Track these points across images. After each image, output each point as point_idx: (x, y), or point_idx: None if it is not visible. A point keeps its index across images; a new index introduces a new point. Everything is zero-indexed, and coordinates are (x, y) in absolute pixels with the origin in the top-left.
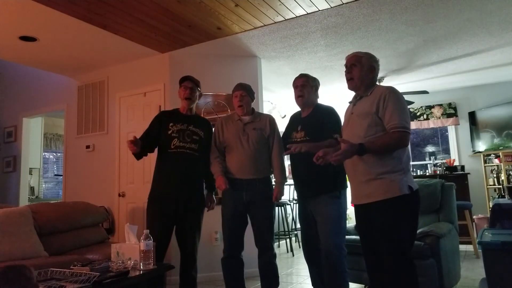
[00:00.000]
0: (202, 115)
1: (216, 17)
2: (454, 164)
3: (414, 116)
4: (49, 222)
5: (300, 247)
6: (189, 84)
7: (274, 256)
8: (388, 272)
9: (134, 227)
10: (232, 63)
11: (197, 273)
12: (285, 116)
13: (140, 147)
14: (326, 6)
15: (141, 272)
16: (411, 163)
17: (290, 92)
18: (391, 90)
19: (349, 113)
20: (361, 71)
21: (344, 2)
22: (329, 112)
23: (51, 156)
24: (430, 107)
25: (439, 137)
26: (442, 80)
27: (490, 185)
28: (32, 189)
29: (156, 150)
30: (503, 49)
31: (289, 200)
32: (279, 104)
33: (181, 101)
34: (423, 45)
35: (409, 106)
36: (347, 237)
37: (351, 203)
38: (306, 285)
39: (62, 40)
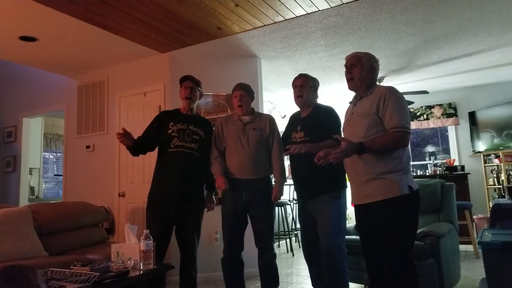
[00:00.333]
0: (202, 115)
1: (216, 17)
2: (454, 164)
3: (414, 116)
4: (49, 222)
5: (300, 247)
6: (190, 84)
7: (274, 256)
8: (388, 272)
9: (134, 227)
10: (232, 63)
11: (197, 273)
12: (285, 116)
13: (133, 142)
14: (326, 6)
15: (141, 272)
16: (411, 163)
17: (290, 92)
18: (391, 90)
19: (350, 113)
20: (361, 71)
21: (344, 2)
22: (329, 112)
23: (51, 156)
24: (430, 107)
25: (439, 137)
26: (442, 80)
27: (490, 185)
28: (32, 189)
29: (156, 149)
30: (503, 49)
31: (289, 200)
32: (279, 104)
33: (181, 101)
34: (423, 45)
35: (409, 106)
36: (347, 237)
37: (351, 203)
38: (306, 285)
39: (62, 40)
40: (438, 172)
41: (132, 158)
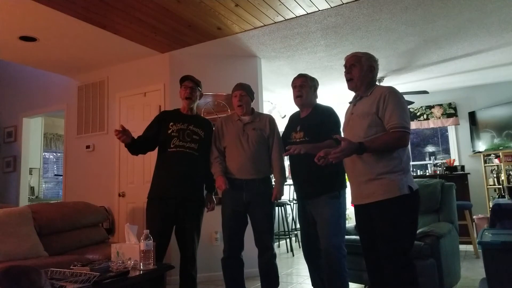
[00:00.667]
0: (202, 115)
1: (216, 17)
2: (454, 164)
3: (414, 116)
4: (49, 222)
5: (300, 247)
6: (190, 84)
7: (274, 256)
8: (388, 272)
9: (134, 227)
10: (232, 63)
11: (197, 273)
12: (285, 116)
13: (131, 140)
14: (326, 6)
15: (141, 272)
16: (411, 163)
17: (290, 92)
18: (391, 90)
19: (349, 113)
20: (361, 71)
21: (344, 2)
22: (328, 113)
23: (51, 156)
24: (430, 107)
25: (439, 137)
26: (442, 80)
27: (490, 185)
28: (32, 189)
29: (156, 149)
30: (503, 49)
31: (289, 200)
32: (279, 104)
33: (181, 101)
34: (423, 45)
35: (409, 106)
36: (347, 237)
37: (351, 203)
38: (306, 285)
39: (62, 40)
40: (438, 172)
41: (132, 158)
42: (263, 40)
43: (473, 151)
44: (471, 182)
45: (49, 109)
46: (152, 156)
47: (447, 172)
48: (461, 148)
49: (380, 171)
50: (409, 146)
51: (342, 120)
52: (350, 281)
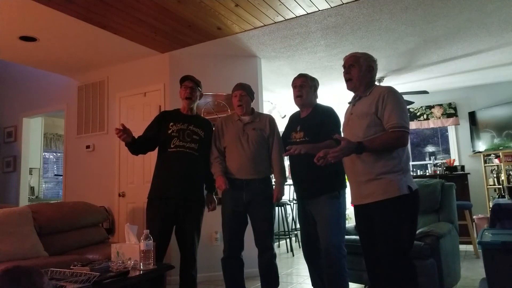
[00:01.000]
0: (202, 115)
1: (216, 17)
2: (454, 164)
3: (414, 116)
4: (49, 222)
5: (300, 247)
6: (190, 84)
7: (274, 256)
8: (388, 272)
9: (134, 227)
10: (232, 63)
11: (197, 273)
12: (285, 116)
13: (132, 139)
14: (326, 6)
15: (141, 272)
16: (411, 163)
17: (290, 92)
18: (390, 90)
19: (349, 113)
20: (360, 72)
21: (344, 2)
22: (328, 113)
23: (51, 156)
24: (430, 107)
25: (439, 137)
26: (442, 80)
27: (490, 185)
28: (32, 189)
29: (156, 149)
30: (503, 49)
31: (289, 200)
32: (279, 104)
33: (181, 101)
34: (423, 45)
35: (409, 106)
36: (347, 237)
37: (351, 203)
38: (306, 285)
39: (62, 40)
40: (438, 172)
41: (132, 158)
42: (263, 40)
43: (473, 151)
44: (471, 182)
45: (49, 109)
46: (152, 156)
47: (447, 172)
48: (461, 148)
49: (379, 171)
50: (409, 146)
51: (342, 120)
52: (350, 281)
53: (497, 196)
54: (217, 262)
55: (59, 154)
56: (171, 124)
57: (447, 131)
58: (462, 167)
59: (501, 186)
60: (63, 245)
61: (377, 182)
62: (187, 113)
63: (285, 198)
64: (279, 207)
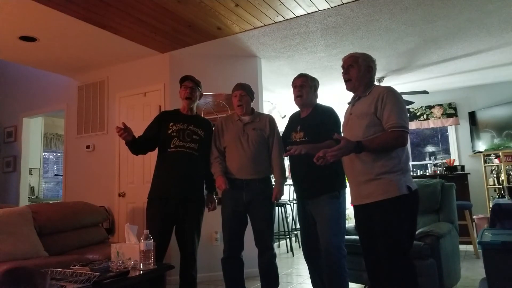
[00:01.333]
0: (202, 115)
1: (216, 17)
2: (454, 164)
3: (414, 116)
4: (49, 222)
5: (300, 247)
6: (190, 84)
7: (274, 256)
8: (387, 272)
9: (134, 227)
10: (232, 63)
11: (197, 273)
12: (285, 116)
13: (133, 138)
14: (326, 6)
15: (141, 272)
16: (411, 163)
17: (290, 92)
18: (389, 89)
19: (348, 113)
20: (359, 72)
21: (344, 2)
22: (329, 113)
23: (51, 156)
24: (430, 107)
25: (439, 137)
26: (442, 80)
27: (490, 185)
28: (32, 189)
29: (156, 149)
30: (503, 49)
31: (289, 200)
32: (279, 104)
33: (181, 101)
34: (423, 45)
35: (409, 106)
36: (347, 237)
37: (351, 203)
38: (306, 285)
39: (62, 40)
40: (438, 172)
41: (132, 158)
42: (263, 40)
43: (473, 151)
44: (471, 182)
45: (49, 109)
46: (152, 156)
47: (447, 172)
48: (461, 148)
49: (379, 171)
50: (409, 146)
51: (342, 120)
52: (350, 281)
53: (497, 196)
54: (217, 262)
55: (59, 154)
56: (171, 124)
57: (447, 131)
58: (462, 167)
59: (501, 186)
60: (63, 245)
61: (376, 182)
62: (187, 113)
63: (285, 198)
64: (279, 207)
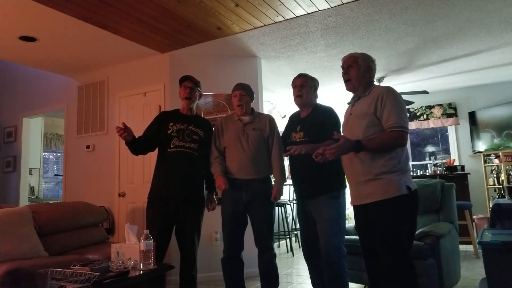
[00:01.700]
0: (202, 115)
1: (216, 17)
2: (454, 164)
3: (414, 116)
4: (49, 222)
5: (300, 247)
6: (189, 84)
7: (274, 256)
8: (387, 272)
9: (134, 227)
10: (232, 63)
11: (197, 273)
12: (285, 116)
13: (133, 138)
14: (326, 6)
15: (141, 272)
16: (411, 163)
17: (290, 92)
18: (389, 90)
19: (348, 114)
20: (358, 72)
21: (344, 2)
22: (328, 113)
23: (51, 156)
24: (430, 107)
25: (439, 137)
26: (442, 80)
27: (490, 185)
28: (32, 189)
29: (156, 149)
30: (503, 49)
31: (289, 200)
32: (279, 104)
33: (181, 101)
34: (423, 45)
35: (409, 106)
36: (347, 237)
37: (351, 203)
38: (306, 285)
39: (62, 40)
40: (438, 172)
41: (132, 158)
42: (263, 40)
43: (473, 151)
44: (471, 182)
45: (49, 109)
46: (152, 156)
47: (447, 172)
48: (461, 148)
49: (378, 171)
50: (409, 146)
51: (342, 120)
52: (350, 281)
53: (497, 196)
54: (217, 262)
55: (59, 154)
56: (171, 124)
57: (447, 131)
58: (462, 167)
59: (501, 186)
60: (63, 245)
61: (376, 182)
62: (187, 113)
63: (285, 198)
64: (279, 207)
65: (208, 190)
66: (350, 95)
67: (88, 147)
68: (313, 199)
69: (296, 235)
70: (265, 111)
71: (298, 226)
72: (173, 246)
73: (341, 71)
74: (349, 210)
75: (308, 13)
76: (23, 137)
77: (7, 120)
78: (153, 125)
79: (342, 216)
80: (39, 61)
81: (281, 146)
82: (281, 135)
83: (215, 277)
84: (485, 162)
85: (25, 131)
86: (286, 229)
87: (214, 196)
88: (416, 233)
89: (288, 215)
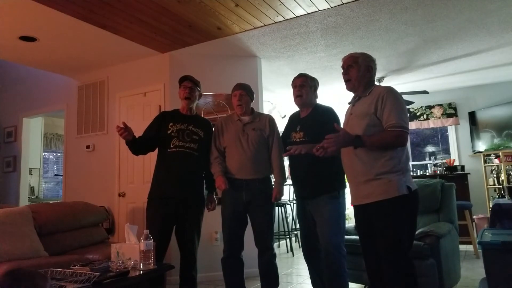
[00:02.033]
0: (202, 115)
1: (216, 17)
2: (454, 164)
3: (414, 116)
4: (49, 222)
5: (300, 247)
6: (189, 84)
7: (274, 256)
8: (387, 272)
9: (134, 227)
10: (232, 63)
11: (197, 273)
12: (285, 116)
13: (133, 137)
14: (326, 6)
15: (141, 272)
16: (411, 163)
17: (290, 92)
18: (389, 90)
19: (348, 113)
20: (358, 72)
21: (344, 2)
22: (328, 113)
23: (51, 156)
24: (430, 107)
25: (439, 137)
26: (442, 80)
27: (490, 185)
28: (32, 189)
29: (156, 149)
30: (503, 49)
31: (289, 200)
32: (279, 104)
33: (181, 101)
34: (423, 45)
35: (409, 106)
36: (347, 237)
37: (351, 203)
38: (306, 285)
39: (62, 40)
40: (438, 172)
41: (132, 158)
42: (263, 40)
43: (473, 151)
44: (471, 182)
45: (49, 109)
46: (152, 156)
47: (447, 172)
48: (461, 148)
49: (378, 171)
50: (409, 146)
51: (342, 120)
52: (350, 281)
53: (497, 196)
54: (217, 262)
55: (59, 154)
56: (171, 124)
57: (447, 131)
58: (462, 167)
59: (501, 186)
60: (63, 245)
61: (376, 182)
62: (187, 113)
63: (285, 198)
64: (279, 207)
65: (208, 190)
66: (350, 95)
67: (88, 147)
68: (313, 199)
69: (296, 235)
70: (265, 111)
71: (298, 226)
72: (173, 246)
73: (341, 71)
74: (349, 210)
75: (308, 13)
76: (23, 137)
77: (7, 120)
78: (153, 125)
79: (342, 216)
80: (39, 61)
81: (281, 146)
82: (281, 135)
83: (215, 277)
84: (485, 162)
85: (25, 131)
86: (286, 229)
87: (214, 196)
88: (416, 233)
89: (288, 215)
